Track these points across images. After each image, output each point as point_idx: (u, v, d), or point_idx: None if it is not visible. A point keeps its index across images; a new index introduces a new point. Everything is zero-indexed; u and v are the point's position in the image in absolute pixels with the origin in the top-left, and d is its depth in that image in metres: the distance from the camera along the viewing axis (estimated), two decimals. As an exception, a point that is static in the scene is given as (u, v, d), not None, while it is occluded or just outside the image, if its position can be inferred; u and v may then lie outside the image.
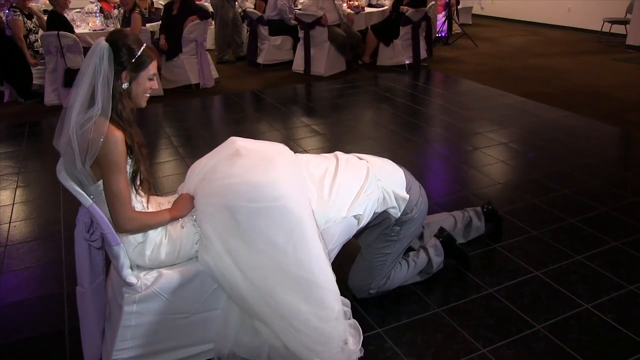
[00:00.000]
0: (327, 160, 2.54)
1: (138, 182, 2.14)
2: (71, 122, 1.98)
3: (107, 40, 2.02)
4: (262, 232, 2.09)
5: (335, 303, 2.15)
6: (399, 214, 2.60)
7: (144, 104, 2.19)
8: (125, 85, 2.07)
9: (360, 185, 2.45)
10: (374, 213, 2.53)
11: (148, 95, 2.19)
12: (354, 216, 2.42)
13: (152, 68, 2.14)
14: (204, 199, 2.23)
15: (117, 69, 2.03)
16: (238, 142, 2.36)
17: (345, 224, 2.40)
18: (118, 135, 2.00)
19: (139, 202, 2.17)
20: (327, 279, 2.14)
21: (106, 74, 1.98)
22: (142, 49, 2.09)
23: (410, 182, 2.67)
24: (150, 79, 2.16)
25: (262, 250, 2.09)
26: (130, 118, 2.12)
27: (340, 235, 2.40)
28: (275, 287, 2.10)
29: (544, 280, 2.94)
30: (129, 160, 2.08)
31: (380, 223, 2.66)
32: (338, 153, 2.63)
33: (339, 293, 2.19)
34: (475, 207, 3.40)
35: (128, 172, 2.09)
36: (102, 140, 1.95)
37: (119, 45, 2.03)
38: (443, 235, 3.02)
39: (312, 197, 2.31)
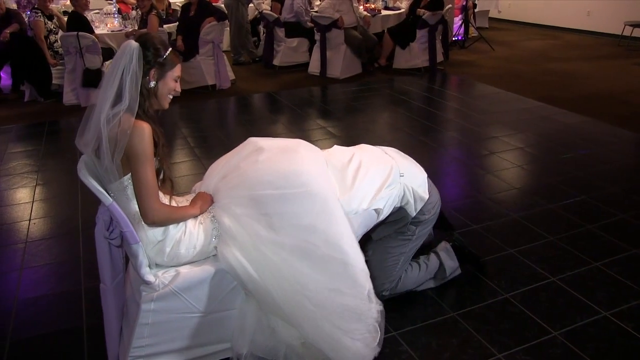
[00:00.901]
0: (351, 151, 2.59)
1: (161, 180, 2.20)
2: (100, 118, 2.02)
3: (137, 41, 2.09)
4: (290, 217, 2.16)
5: (366, 281, 2.19)
6: (414, 213, 2.63)
7: (166, 105, 2.25)
8: (152, 84, 2.14)
9: (384, 178, 2.48)
10: (394, 207, 2.56)
11: (171, 96, 2.26)
12: (375, 209, 2.44)
13: (177, 70, 2.22)
14: (227, 192, 2.28)
15: (145, 67, 2.10)
16: (257, 141, 2.43)
17: (365, 217, 2.43)
18: (145, 127, 2.05)
19: (162, 199, 2.19)
20: (357, 257, 2.18)
21: (135, 72, 2.05)
22: (168, 51, 2.17)
23: (430, 184, 2.70)
24: (175, 81, 2.23)
25: (290, 234, 2.14)
26: (155, 117, 2.19)
27: (359, 227, 2.43)
28: (304, 271, 2.13)
29: (561, 286, 2.92)
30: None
31: (396, 221, 2.69)
32: (364, 145, 2.69)
33: (368, 272, 2.21)
34: (443, 244, 3.07)
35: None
36: (128, 132, 2.00)
37: (148, 45, 2.10)
38: (453, 239, 3.04)
39: (334, 187, 2.35)
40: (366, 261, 2.66)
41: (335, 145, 2.72)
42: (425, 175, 2.69)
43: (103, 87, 2.06)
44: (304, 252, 2.14)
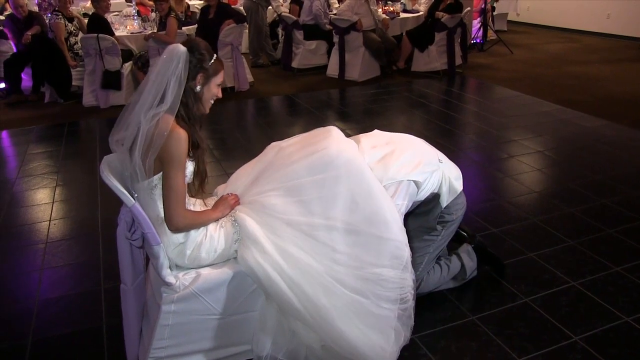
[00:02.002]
0: (392, 134, 2.73)
1: (197, 183, 2.27)
2: (141, 117, 2.05)
3: (184, 45, 2.12)
4: (328, 200, 2.21)
5: (405, 252, 2.22)
6: (444, 205, 2.68)
7: (207, 110, 2.29)
8: (198, 88, 2.18)
9: (422, 157, 2.58)
10: (431, 193, 2.61)
11: (212, 102, 2.29)
12: (415, 181, 2.49)
13: (221, 77, 2.26)
14: (256, 190, 2.33)
15: (193, 71, 2.13)
16: (280, 143, 2.50)
17: (405, 185, 2.47)
18: (182, 133, 2.07)
19: (189, 204, 2.23)
20: (397, 229, 2.23)
21: (180, 75, 2.08)
22: (214, 58, 2.20)
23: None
24: (219, 86, 2.27)
25: (329, 217, 2.19)
26: (199, 121, 2.24)
27: (400, 195, 2.46)
28: (339, 250, 2.17)
29: (581, 291, 2.90)
30: (189, 162, 2.16)
31: (425, 212, 2.71)
32: (406, 134, 2.80)
33: (406, 242, 2.25)
34: (465, 246, 3.05)
35: (189, 171, 2.19)
36: (165, 134, 2.02)
37: (195, 50, 2.14)
38: (475, 241, 3.03)
39: (373, 159, 2.46)
40: None
41: (376, 130, 2.81)
42: (461, 172, 2.77)
43: (147, 88, 2.08)
44: (342, 232, 2.19)
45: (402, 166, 2.48)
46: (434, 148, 2.77)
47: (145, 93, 2.08)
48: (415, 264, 2.68)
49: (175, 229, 2.14)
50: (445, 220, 2.73)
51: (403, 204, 2.46)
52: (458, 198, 2.73)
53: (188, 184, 2.24)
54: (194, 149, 2.17)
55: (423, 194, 2.59)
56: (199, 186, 2.31)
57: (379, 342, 2.16)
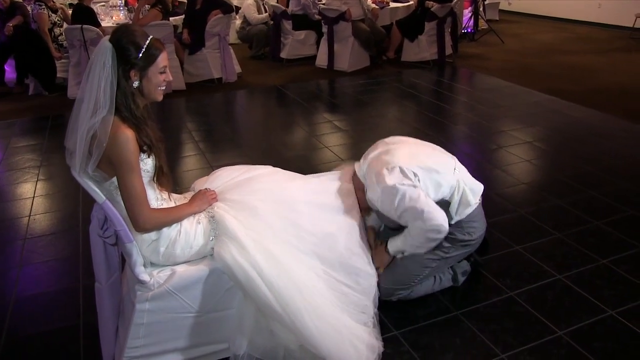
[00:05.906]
0: (405, 138, 2.74)
1: (157, 178, 2.14)
2: (79, 125, 1.96)
3: (110, 40, 1.96)
4: (314, 244, 2.26)
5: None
6: (454, 217, 2.57)
7: (159, 98, 2.12)
8: (135, 84, 2.01)
9: (437, 157, 2.57)
10: (442, 199, 2.53)
11: (163, 88, 2.11)
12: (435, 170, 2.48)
13: (162, 61, 2.04)
14: (245, 194, 2.31)
15: (124, 68, 1.96)
16: (280, 170, 2.59)
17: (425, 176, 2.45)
18: (129, 134, 1.95)
19: (159, 199, 2.16)
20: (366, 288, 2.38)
21: (109, 75, 1.92)
22: (147, 42, 1.99)
23: (481, 211, 2.69)
24: (162, 72, 2.06)
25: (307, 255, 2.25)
26: (144, 115, 2.06)
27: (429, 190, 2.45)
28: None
29: (567, 284, 2.86)
30: (143, 157, 2.04)
31: None
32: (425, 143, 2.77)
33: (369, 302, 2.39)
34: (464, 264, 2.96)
35: (150, 166, 2.07)
36: (105, 143, 1.92)
37: (123, 43, 1.95)
38: (471, 262, 2.92)
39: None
40: (393, 265, 2.64)
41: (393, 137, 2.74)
42: (482, 189, 2.69)
43: (80, 93, 1.97)
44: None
45: (410, 156, 2.47)
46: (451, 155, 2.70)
47: (80, 95, 1.97)
48: (413, 275, 2.63)
49: (143, 231, 2.06)
50: (456, 238, 2.59)
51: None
52: (476, 222, 2.61)
53: (156, 177, 2.14)
54: (148, 146, 2.03)
55: (441, 191, 2.50)
56: (165, 180, 2.19)
57: (350, 352, 2.16)
